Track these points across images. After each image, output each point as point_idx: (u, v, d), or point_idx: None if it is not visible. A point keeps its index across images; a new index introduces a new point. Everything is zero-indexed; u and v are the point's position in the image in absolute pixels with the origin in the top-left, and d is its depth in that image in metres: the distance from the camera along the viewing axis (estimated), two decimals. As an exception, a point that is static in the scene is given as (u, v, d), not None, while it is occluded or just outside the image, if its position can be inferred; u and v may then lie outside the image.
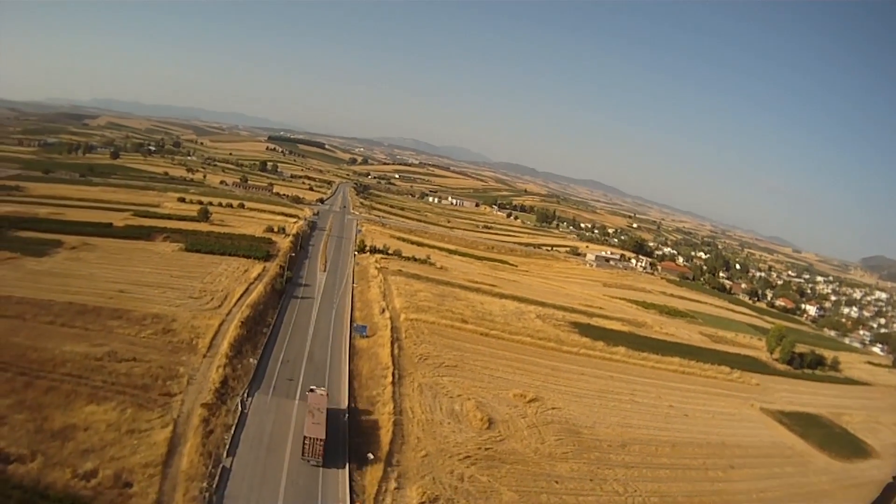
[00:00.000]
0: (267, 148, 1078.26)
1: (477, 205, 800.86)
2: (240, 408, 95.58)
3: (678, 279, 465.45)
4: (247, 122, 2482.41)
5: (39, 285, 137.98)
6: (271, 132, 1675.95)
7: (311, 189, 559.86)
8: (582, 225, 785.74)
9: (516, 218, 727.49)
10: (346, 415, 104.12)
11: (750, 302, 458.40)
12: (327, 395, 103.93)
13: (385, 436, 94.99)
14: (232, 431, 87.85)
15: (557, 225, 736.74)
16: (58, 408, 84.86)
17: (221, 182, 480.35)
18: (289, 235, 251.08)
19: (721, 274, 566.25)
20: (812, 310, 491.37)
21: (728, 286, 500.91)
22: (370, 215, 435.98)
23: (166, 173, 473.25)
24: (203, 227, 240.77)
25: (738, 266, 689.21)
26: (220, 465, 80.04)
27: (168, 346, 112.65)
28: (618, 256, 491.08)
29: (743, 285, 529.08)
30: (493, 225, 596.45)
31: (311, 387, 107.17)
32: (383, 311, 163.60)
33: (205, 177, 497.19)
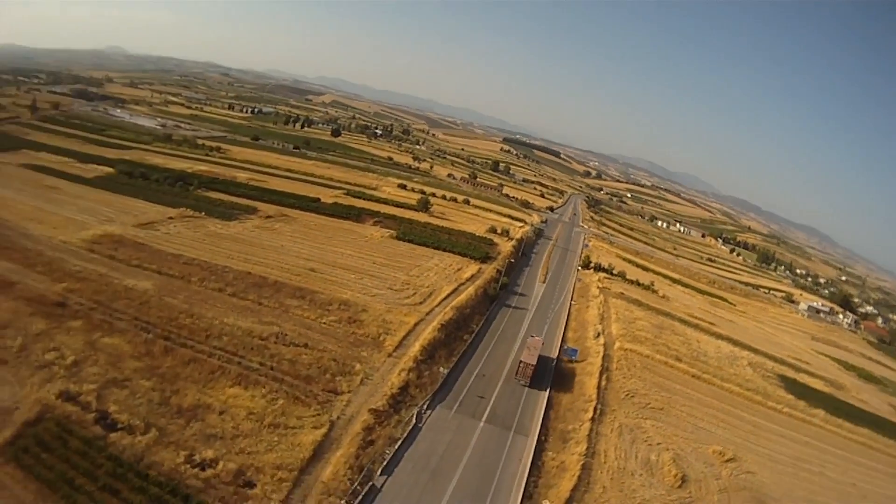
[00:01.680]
0: (501, 149, 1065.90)
1: (703, 235, 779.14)
2: (414, 420, 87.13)
3: (876, 341, 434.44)
4: (481, 120, 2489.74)
5: (218, 249, 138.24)
6: (506, 134, 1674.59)
7: (541, 196, 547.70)
8: (798, 271, 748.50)
9: (738, 254, 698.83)
10: (554, 362, 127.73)
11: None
12: (542, 342, 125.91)
13: (568, 481, 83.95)
14: (396, 446, 79.26)
15: (775, 267, 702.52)
16: (196, 382, 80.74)
17: (449, 175, 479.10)
18: (512, 239, 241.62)
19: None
20: None
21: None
22: (599, 231, 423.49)
23: (390, 158, 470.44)
24: (420, 217, 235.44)
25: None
26: (370, 484, 71.46)
27: (350, 337, 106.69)
28: (828, 309, 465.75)
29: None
30: (716, 258, 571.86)
31: (532, 334, 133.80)
32: (598, 335, 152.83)
33: (431, 167, 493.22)
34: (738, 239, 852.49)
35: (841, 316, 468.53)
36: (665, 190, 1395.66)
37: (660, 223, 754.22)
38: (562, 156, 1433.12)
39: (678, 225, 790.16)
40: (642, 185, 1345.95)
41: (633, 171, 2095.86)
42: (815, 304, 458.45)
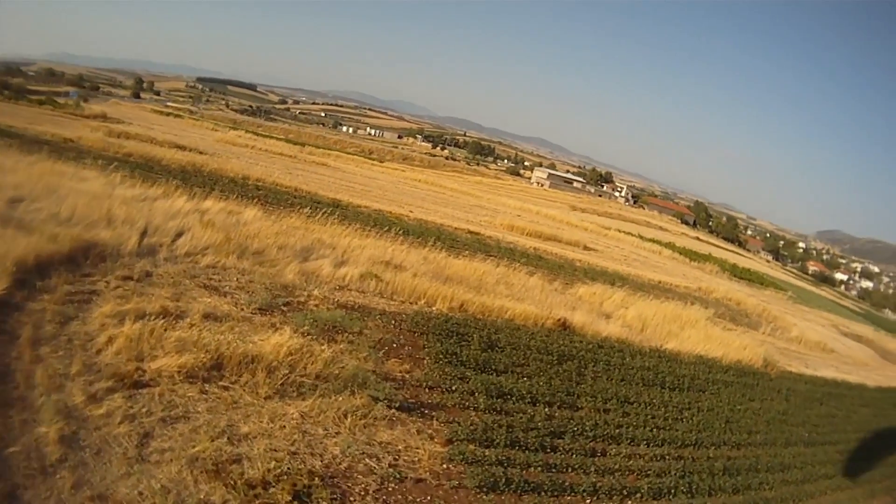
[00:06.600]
0: (186, 85, 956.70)
1: (399, 136, 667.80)
2: None
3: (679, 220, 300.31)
4: (194, 73, 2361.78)
5: None
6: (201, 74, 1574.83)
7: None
8: (527, 164, 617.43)
9: (443, 149, 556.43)
10: None
11: (779, 264, 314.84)
12: None
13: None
14: None
15: (496, 160, 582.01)
16: None
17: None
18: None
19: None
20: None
21: (743, 239, 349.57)
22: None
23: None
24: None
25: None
26: None
27: None
28: (582, 179, 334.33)
29: (759, 240, 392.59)
30: (410, 155, 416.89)
31: None
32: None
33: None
34: (445, 137, 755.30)
35: (613, 191, 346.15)
36: (369, 108, 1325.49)
37: (345, 129, 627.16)
38: (258, 89, 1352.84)
39: (368, 129, 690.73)
40: (340, 106, 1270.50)
41: (344, 103, 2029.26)
42: (556, 172, 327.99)
